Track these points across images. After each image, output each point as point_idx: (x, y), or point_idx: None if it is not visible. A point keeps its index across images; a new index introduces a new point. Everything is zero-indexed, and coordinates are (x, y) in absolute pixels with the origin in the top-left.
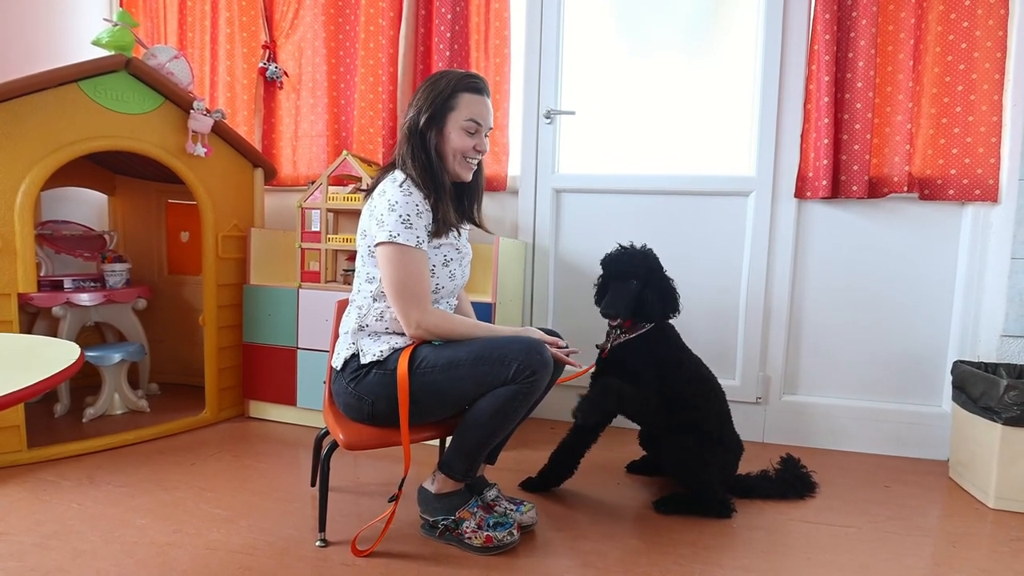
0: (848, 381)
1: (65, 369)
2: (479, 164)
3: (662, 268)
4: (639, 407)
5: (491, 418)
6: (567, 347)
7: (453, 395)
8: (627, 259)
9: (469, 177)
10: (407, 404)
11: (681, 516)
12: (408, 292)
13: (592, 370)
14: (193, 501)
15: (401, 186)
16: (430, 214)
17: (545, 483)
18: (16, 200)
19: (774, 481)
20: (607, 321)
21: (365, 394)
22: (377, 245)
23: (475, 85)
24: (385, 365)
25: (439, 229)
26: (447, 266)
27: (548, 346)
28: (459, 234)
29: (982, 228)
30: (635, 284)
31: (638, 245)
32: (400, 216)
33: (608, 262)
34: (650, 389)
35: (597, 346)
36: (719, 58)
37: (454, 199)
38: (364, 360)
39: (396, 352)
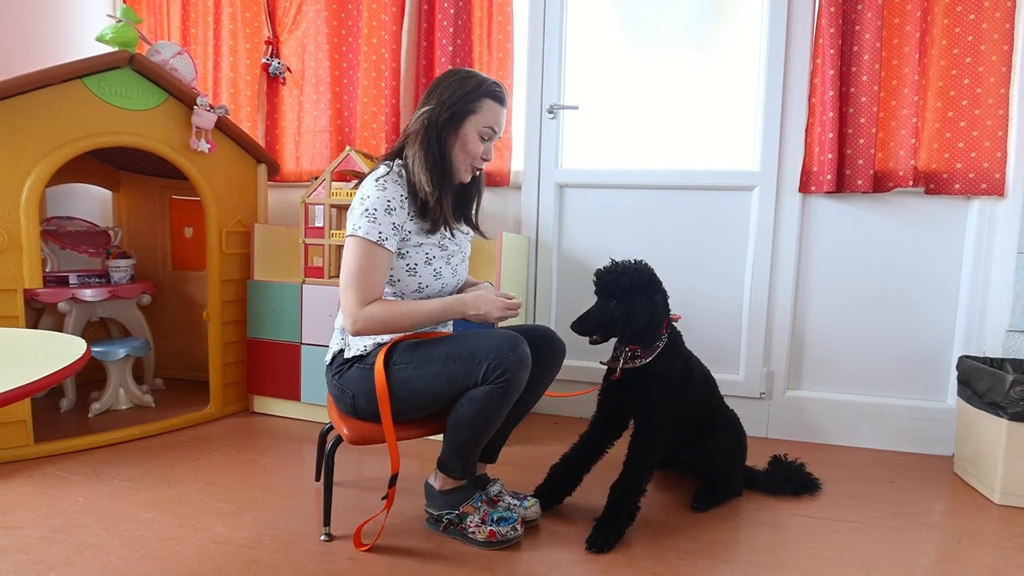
0: (852, 376)
1: (71, 364)
2: (480, 171)
3: (652, 286)
4: (661, 452)
5: (471, 420)
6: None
7: (428, 393)
8: (610, 276)
9: (467, 180)
10: (387, 401)
11: (718, 508)
12: (355, 284)
13: (597, 390)
14: (198, 495)
15: (377, 181)
16: (404, 211)
17: (548, 500)
18: (22, 196)
19: (769, 476)
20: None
21: (347, 388)
22: (346, 238)
23: (500, 95)
24: (366, 360)
25: (436, 225)
26: (429, 264)
27: (499, 302)
28: (450, 234)
29: (988, 223)
30: (615, 304)
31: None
32: (367, 210)
33: (595, 279)
34: (667, 422)
35: (602, 363)
36: (723, 52)
37: (454, 198)
38: (348, 355)
39: (379, 347)
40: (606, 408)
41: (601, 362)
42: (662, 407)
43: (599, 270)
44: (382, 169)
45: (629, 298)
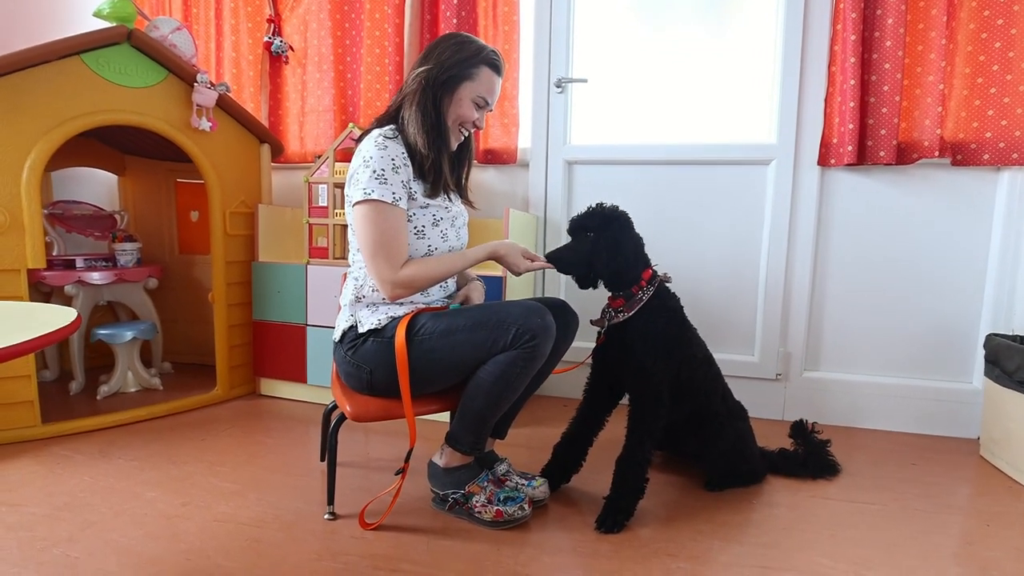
0: (873, 357)
1: (61, 328)
2: (470, 136)
3: (623, 222)
4: (660, 422)
5: (492, 386)
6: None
7: (452, 362)
8: (583, 214)
9: (454, 147)
10: (407, 374)
11: (735, 490)
12: (384, 251)
13: (589, 361)
14: (203, 475)
15: (376, 140)
16: (408, 169)
17: (555, 479)
18: (22, 175)
19: (787, 458)
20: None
21: (363, 362)
22: (353, 205)
23: (498, 64)
24: (383, 333)
25: (436, 188)
26: (437, 226)
27: (526, 259)
28: (449, 197)
29: (1019, 194)
30: (590, 236)
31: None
32: (374, 171)
33: (570, 221)
34: (662, 390)
35: (592, 322)
36: (738, 20)
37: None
38: (362, 330)
39: (394, 321)
40: (598, 374)
41: (592, 321)
42: (652, 369)
43: (575, 215)
44: (378, 130)
45: (606, 230)
